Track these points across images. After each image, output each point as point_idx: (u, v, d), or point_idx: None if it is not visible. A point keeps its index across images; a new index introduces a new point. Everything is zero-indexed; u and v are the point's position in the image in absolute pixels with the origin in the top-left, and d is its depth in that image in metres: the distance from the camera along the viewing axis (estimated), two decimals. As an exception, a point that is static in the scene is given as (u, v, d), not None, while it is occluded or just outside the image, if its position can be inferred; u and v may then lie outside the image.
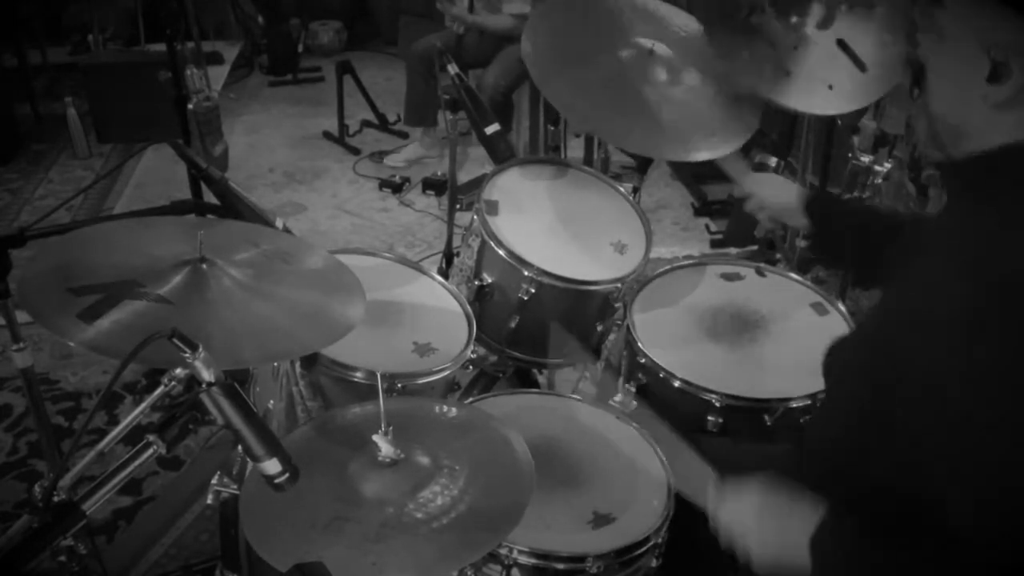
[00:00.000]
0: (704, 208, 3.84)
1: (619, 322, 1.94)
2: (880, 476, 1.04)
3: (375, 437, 1.23)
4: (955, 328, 0.92)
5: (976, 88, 0.96)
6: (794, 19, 1.82)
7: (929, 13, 1.02)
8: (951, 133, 1.03)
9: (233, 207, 1.50)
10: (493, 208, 1.89)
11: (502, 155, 2.03)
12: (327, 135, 4.59)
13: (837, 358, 1.21)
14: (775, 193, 1.63)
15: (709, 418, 1.62)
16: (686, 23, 2.01)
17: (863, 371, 1.09)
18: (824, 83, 1.78)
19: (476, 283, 1.86)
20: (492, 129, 2.04)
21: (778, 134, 3.19)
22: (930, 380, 0.94)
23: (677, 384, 1.65)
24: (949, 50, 1.00)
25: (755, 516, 1.09)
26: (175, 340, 0.93)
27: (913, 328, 0.99)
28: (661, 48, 1.92)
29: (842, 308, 1.85)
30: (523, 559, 1.32)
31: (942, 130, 1.04)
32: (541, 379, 2.23)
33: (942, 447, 0.94)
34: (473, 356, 1.78)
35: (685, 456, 1.28)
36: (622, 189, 2.05)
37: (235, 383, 0.97)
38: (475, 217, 1.87)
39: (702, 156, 1.85)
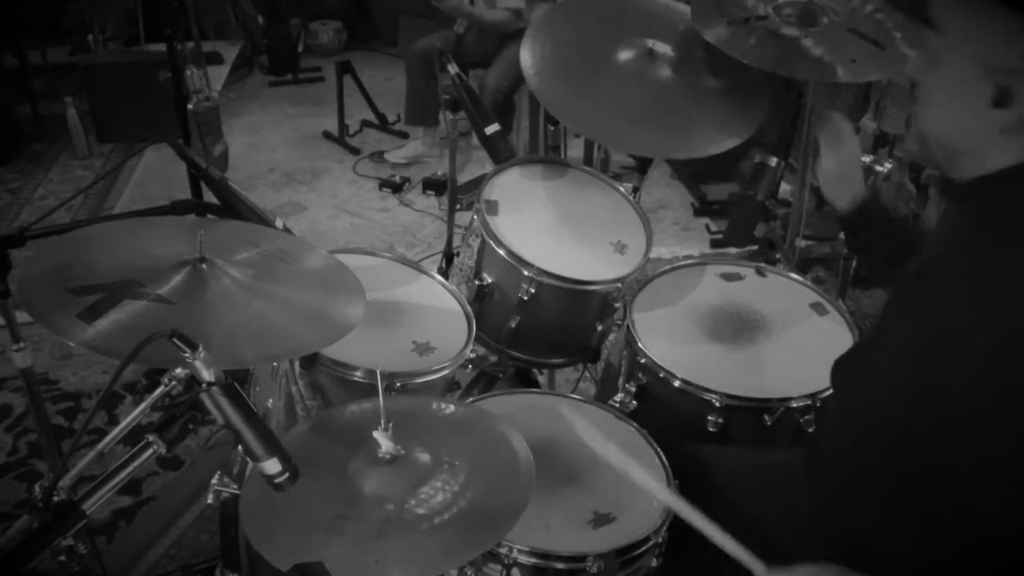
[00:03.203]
0: (704, 208, 3.84)
1: (619, 322, 1.94)
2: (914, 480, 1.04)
3: (375, 433, 1.23)
4: (993, 371, 0.93)
5: (979, 113, 0.97)
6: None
7: (922, 35, 1.02)
8: (946, 154, 1.05)
9: (233, 207, 1.50)
10: (493, 208, 1.89)
11: (502, 155, 2.03)
12: (327, 135, 4.59)
13: (852, 377, 1.20)
14: (837, 183, 1.53)
15: (709, 418, 1.61)
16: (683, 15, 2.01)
17: (893, 392, 1.08)
18: (847, 58, 1.79)
19: (476, 283, 1.86)
20: (492, 129, 2.04)
21: (778, 135, 3.18)
22: (968, 403, 0.95)
23: (677, 384, 1.64)
24: (944, 76, 1.01)
25: None
26: (175, 340, 0.93)
27: (948, 363, 0.98)
28: (661, 47, 1.92)
29: (842, 308, 1.85)
30: (523, 558, 1.32)
31: (935, 150, 1.06)
32: (541, 379, 2.23)
33: (979, 462, 0.95)
34: (473, 356, 1.78)
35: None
36: (622, 189, 2.05)
37: (235, 383, 0.97)
38: (475, 217, 1.87)
39: (710, 151, 1.85)
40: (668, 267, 1.95)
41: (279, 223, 1.54)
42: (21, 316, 1.36)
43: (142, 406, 0.99)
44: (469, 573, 1.37)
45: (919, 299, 1.09)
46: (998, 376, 0.92)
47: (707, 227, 3.73)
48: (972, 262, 1.01)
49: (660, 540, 1.39)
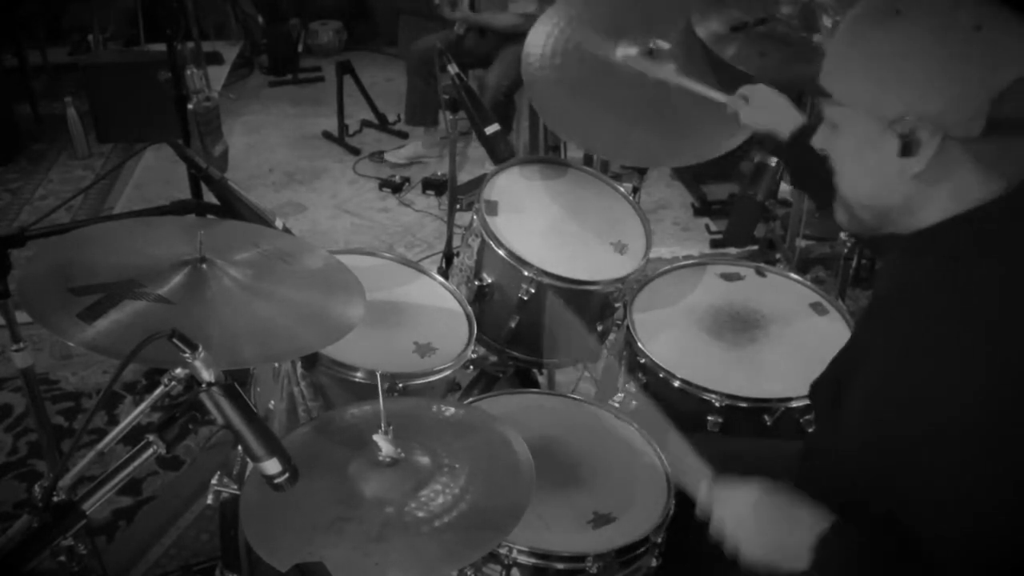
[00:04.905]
0: (704, 208, 3.84)
1: (619, 322, 1.94)
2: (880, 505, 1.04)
3: (375, 436, 1.23)
4: (972, 426, 0.91)
5: (890, 165, 0.98)
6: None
7: (823, 107, 1.05)
8: (873, 214, 1.06)
9: (233, 207, 1.50)
10: (493, 208, 1.89)
11: (502, 155, 2.03)
12: (327, 135, 4.59)
13: (826, 404, 1.19)
14: (768, 118, 1.60)
15: (709, 418, 1.62)
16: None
17: (864, 425, 1.06)
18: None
19: (476, 283, 1.86)
20: (492, 129, 2.04)
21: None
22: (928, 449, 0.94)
23: (677, 384, 1.65)
24: (846, 138, 1.03)
25: (752, 512, 1.08)
26: (175, 340, 0.93)
27: (905, 416, 0.97)
28: (661, 46, 1.93)
29: (842, 308, 1.85)
30: (523, 559, 1.32)
31: (861, 212, 1.07)
32: (541, 379, 2.23)
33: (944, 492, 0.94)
34: (473, 356, 1.79)
35: (682, 451, 1.26)
36: (622, 189, 2.05)
37: (235, 383, 0.97)
38: (475, 217, 1.87)
39: (710, 155, 1.85)
40: (668, 267, 1.95)
41: (279, 223, 1.54)
42: (21, 316, 1.36)
43: (142, 406, 0.99)
44: (469, 573, 1.37)
45: (873, 344, 1.08)
46: (955, 438, 0.91)
47: (707, 227, 3.73)
48: (921, 320, 0.99)
49: (659, 540, 1.39)
